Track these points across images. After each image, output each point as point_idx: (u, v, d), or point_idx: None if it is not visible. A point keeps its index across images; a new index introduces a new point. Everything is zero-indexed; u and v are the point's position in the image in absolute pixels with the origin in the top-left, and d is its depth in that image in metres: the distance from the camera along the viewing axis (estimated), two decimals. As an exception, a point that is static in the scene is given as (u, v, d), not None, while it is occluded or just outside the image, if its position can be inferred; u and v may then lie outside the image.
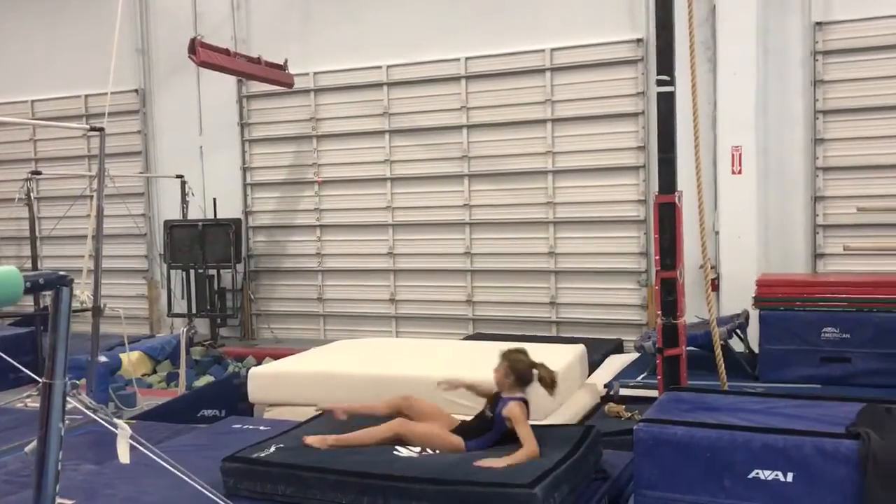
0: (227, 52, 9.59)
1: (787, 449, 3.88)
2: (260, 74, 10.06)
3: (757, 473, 3.92)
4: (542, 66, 10.07)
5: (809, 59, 8.94)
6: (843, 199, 8.81)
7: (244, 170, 11.72)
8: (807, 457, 3.84)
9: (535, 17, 9.97)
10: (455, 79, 10.48)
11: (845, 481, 3.77)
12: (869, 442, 3.72)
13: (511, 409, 4.50)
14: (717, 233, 8.97)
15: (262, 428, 5.53)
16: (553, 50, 9.99)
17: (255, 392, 6.57)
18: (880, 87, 8.70)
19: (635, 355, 8.05)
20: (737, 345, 8.02)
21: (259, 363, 8.53)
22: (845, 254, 8.63)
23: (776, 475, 3.89)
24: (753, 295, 7.65)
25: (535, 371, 4.68)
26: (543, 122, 10.11)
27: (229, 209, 11.44)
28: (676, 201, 6.08)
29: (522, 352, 4.75)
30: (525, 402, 4.62)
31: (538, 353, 6.50)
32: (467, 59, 10.39)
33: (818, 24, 8.88)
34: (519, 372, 4.64)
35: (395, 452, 4.43)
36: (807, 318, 7.32)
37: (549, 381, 4.71)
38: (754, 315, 7.75)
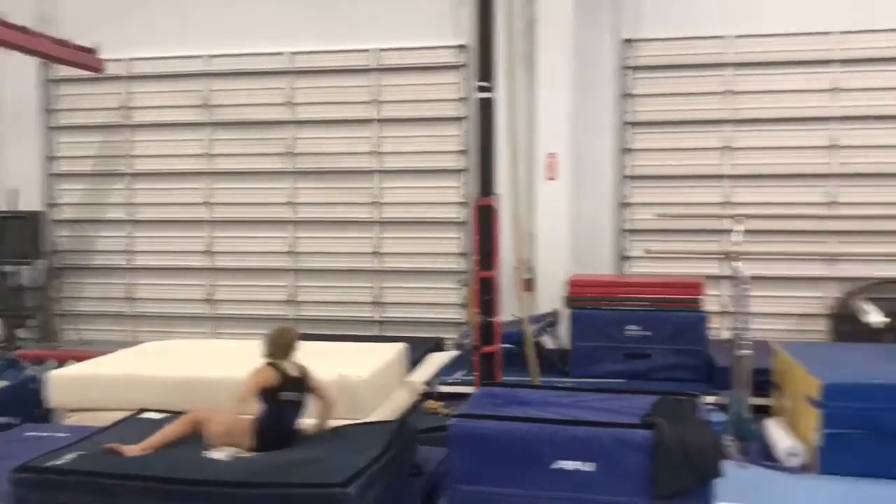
0: (24, 29, 8.86)
1: (589, 440, 4.10)
2: (63, 57, 9.36)
3: (560, 464, 4.11)
4: (368, 65, 10.09)
5: (620, 74, 9.50)
6: (646, 205, 9.43)
7: (48, 159, 10.93)
8: (606, 447, 4.08)
9: (363, 17, 9.97)
10: (281, 73, 10.29)
11: (640, 467, 4.04)
12: (661, 431, 4.00)
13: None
14: (533, 235, 9.33)
15: (59, 435, 5.16)
16: (380, 51, 10.03)
17: (54, 397, 6.11)
18: (683, 103, 9.40)
19: (455, 353, 8.22)
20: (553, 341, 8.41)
21: (61, 366, 7.94)
22: (648, 256, 9.24)
23: (578, 465, 4.10)
24: (565, 295, 8.02)
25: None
26: (369, 121, 10.13)
27: (30, 201, 10.62)
28: (494, 204, 6.28)
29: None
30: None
31: (358, 352, 6.54)
32: (294, 53, 10.22)
33: (627, 40, 9.47)
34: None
35: (204, 455, 4.26)
36: (613, 316, 7.78)
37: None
38: (567, 314, 8.14)
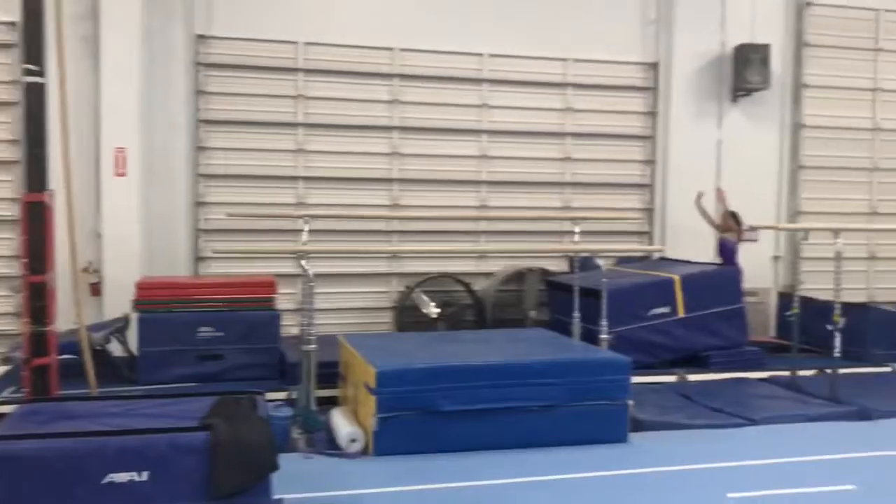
0: None
1: (143, 449, 3.93)
2: None
3: (111, 477, 3.88)
4: None
5: (193, 70, 9.29)
6: (221, 204, 9.35)
7: None
8: (161, 454, 3.94)
9: None
10: None
11: (197, 471, 3.97)
12: (216, 432, 3.98)
13: None
14: (99, 235, 8.72)
15: None
16: None
17: None
18: (254, 104, 9.49)
19: (4, 368, 7.35)
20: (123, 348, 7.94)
21: None
22: (224, 257, 9.16)
23: (131, 476, 3.90)
24: (133, 298, 7.62)
25: None
26: None
27: None
28: (47, 200, 5.74)
29: None
30: None
31: None
32: None
33: (200, 36, 9.30)
34: None
35: None
36: (184, 318, 7.58)
37: None
38: (136, 318, 7.73)
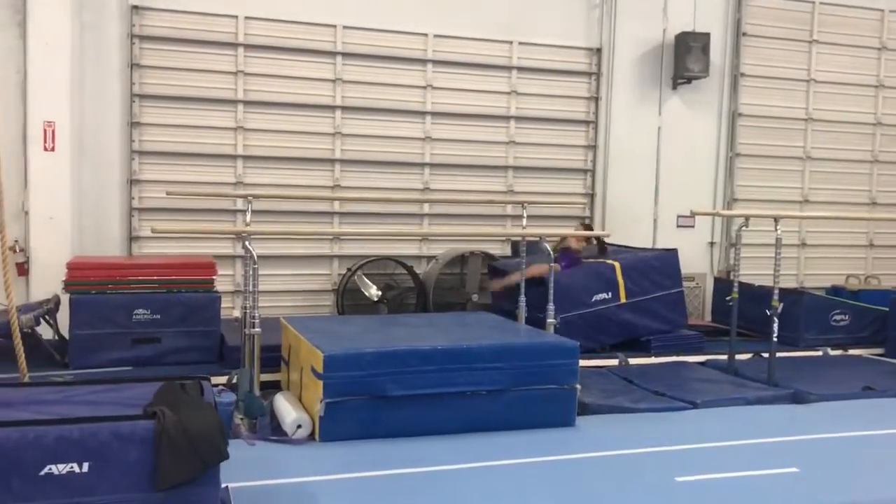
0: None
1: (83, 439, 3.71)
2: None
3: (50, 469, 3.67)
4: None
5: (127, 42, 8.92)
6: (157, 182, 9.03)
7: None
8: (103, 444, 3.73)
9: None
10: None
11: (142, 461, 3.78)
12: (164, 419, 3.81)
13: None
14: (26, 213, 8.32)
15: None
16: None
17: None
18: (191, 79, 9.17)
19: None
20: (48, 332, 7.60)
21: None
22: (160, 236, 8.85)
23: (71, 467, 3.70)
24: (64, 279, 7.30)
25: None
26: None
27: None
28: (-28, 175, 5.40)
29: None
30: None
31: None
32: None
33: (135, 7, 8.92)
34: None
35: None
36: (119, 300, 7.29)
37: None
38: (66, 299, 7.41)
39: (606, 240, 9.15)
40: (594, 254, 9.11)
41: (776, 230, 7.56)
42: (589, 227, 9.80)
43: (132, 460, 3.77)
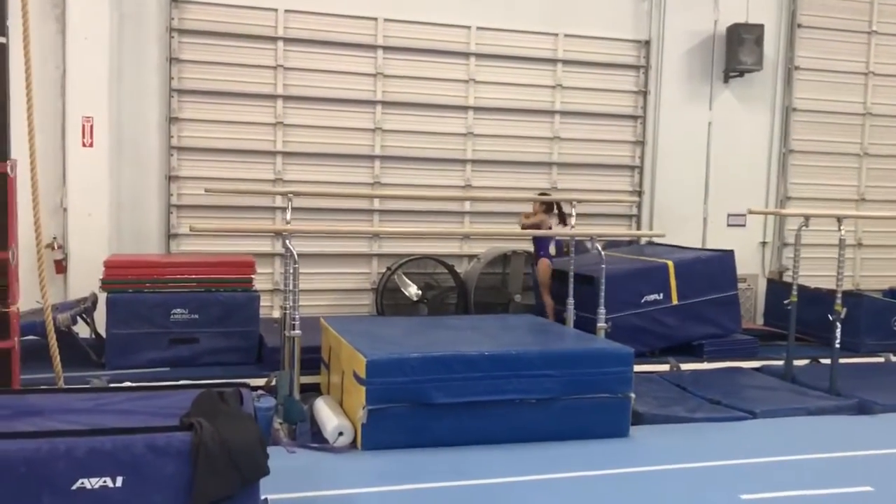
0: None
1: (116, 451, 3.51)
2: None
3: (83, 483, 3.47)
4: None
5: (165, 36, 8.76)
6: (195, 179, 8.87)
7: None
8: (137, 457, 3.53)
9: None
10: None
11: (178, 476, 3.57)
12: (201, 431, 3.59)
13: None
14: (65, 209, 8.22)
15: None
16: None
17: None
18: (230, 73, 8.99)
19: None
20: (85, 330, 7.48)
21: None
22: (197, 234, 8.69)
23: (104, 482, 3.50)
24: (101, 277, 7.16)
25: None
26: None
27: None
28: (9, 171, 5.26)
29: None
30: None
31: None
32: None
33: (175, 0, 8.76)
34: None
35: None
36: (156, 299, 7.13)
37: None
38: (103, 298, 7.28)
39: (660, 240, 8.82)
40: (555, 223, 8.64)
41: (840, 230, 7.17)
42: (547, 195, 9.18)
43: (168, 474, 3.56)
